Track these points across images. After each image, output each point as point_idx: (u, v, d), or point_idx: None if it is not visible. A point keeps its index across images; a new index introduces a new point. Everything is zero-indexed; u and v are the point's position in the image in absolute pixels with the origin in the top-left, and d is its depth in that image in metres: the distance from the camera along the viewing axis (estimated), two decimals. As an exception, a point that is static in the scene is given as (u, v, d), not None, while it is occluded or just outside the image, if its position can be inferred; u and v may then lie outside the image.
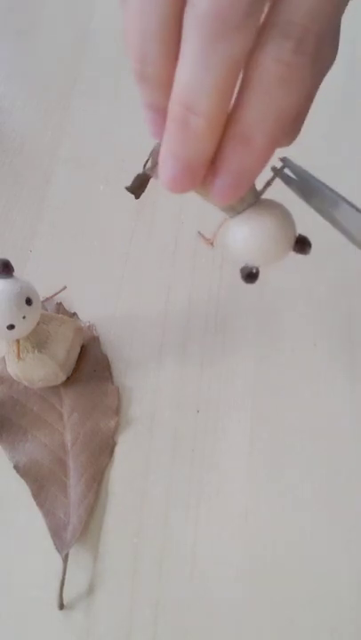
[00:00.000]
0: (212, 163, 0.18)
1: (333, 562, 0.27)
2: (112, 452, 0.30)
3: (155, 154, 0.21)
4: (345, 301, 0.33)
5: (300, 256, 0.23)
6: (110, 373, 0.32)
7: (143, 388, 0.32)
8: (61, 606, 0.26)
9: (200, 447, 0.30)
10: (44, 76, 0.46)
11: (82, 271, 0.36)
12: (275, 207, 0.22)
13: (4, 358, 0.31)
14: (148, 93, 0.18)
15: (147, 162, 0.22)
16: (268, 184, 0.22)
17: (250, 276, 0.23)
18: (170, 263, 0.36)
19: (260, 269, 0.23)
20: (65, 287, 0.34)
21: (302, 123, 0.21)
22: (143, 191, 0.24)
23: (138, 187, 0.24)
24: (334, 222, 0.22)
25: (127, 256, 0.36)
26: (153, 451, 0.30)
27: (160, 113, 0.18)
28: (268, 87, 0.16)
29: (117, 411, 0.31)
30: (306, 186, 0.22)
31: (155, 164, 0.21)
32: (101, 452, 0.30)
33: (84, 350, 0.33)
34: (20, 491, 0.29)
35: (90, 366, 0.32)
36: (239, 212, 0.22)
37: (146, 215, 0.38)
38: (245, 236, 0.22)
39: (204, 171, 0.18)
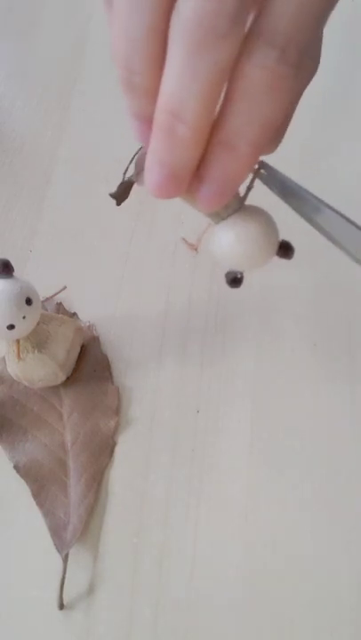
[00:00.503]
0: (198, 169, 0.18)
1: (333, 562, 0.27)
2: (112, 452, 0.30)
3: (138, 161, 0.22)
4: (345, 302, 0.33)
5: (299, 257, 0.24)
6: (110, 373, 0.32)
7: (143, 388, 0.32)
8: (61, 606, 0.26)
9: (200, 447, 0.30)
10: (44, 76, 0.46)
11: (82, 271, 0.36)
12: (259, 213, 0.23)
13: (4, 358, 0.31)
14: (134, 102, 0.18)
15: (127, 169, 0.22)
16: (250, 188, 0.23)
17: (234, 280, 0.23)
18: (170, 263, 0.36)
19: (245, 274, 0.23)
20: (65, 287, 0.34)
21: (285, 130, 0.22)
22: (126, 197, 0.24)
23: (122, 193, 0.24)
24: (314, 223, 0.23)
25: (127, 256, 0.36)
26: (153, 451, 0.30)
27: (146, 121, 0.18)
28: (253, 95, 0.16)
29: (117, 411, 0.31)
30: (285, 188, 0.23)
31: (140, 171, 0.22)
32: (101, 452, 0.30)
33: (84, 350, 0.33)
34: (20, 491, 0.29)
35: (90, 366, 0.32)
36: (224, 218, 0.22)
37: (146, 215, 0.38)
38: (230, 242, 0.22)
39: (190, 177, 0.18)
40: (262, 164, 0.23)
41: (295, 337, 0.33)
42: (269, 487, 0.28)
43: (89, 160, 0.41)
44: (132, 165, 0.23)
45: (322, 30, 0.18)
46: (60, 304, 0.35)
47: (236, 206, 0.22)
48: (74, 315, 0.34)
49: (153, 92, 0.17)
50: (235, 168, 0.18)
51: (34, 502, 0.28)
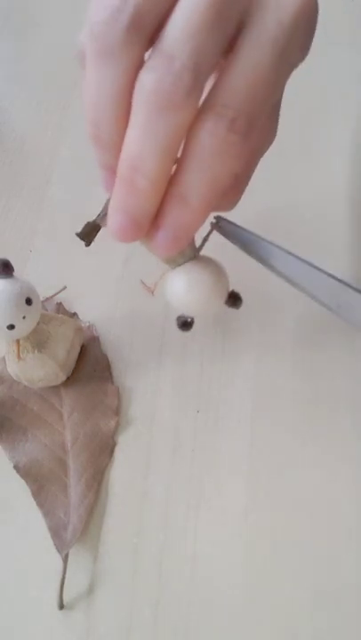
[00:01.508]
0: (155, 218, 0.20)
1: (334, 562, 0.27)
2: (112, 452, 0.30)
3: (106, 205, 0.24)
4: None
5: (304, 254, 0.24)
6: (110, 373, 0.32)
7: (143, 388, 0.32)
8: (61, 606, 0.26)
9: (200, 447, 0.30)
10: (44, 76, 0.46)
11: (82, 271, 0.36)
12: (211, 264, 0.25)
13: (4, 358, 0.31)
14: (100, 154, 0.20)
15: (100, 212, 0.24)
16: (205, 240, 0.25)
17: (185, 324, 0.25)
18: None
19: (195, 319, 0.25)
20: (65, 287, 0.34)
21: (241, 191, 0.25)
22: (93, 239, 0.26)
23: (87, 234, 0.26)
24: (272, 268, 0.25)
25: (127, 256, 0.36)
26: (153, 451, 0.30)
27: (111, 171, 0.20)
28: (204, 157, 0.18)
29: (117, 411, 0.31)
30: (242, 239, 0.25)
31: (105, 214, 0.24)
32: (101, 452, 0.30)
33: (84, 350, 0.33)
34: (20, 491, 0.29)
35: (90, 366, 0.32)
36: (179, 264, 0.24)
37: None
38: (183, 289, 0.24)
39: (149, 224, 0.20)
40: (219, 220, 0.25)
41: (295, 337, 0.33)
42: (269, 487, 0.28)
43: (89, 160, 0.40)
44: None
45: (274, 104, 0.21)
46: (60, 304, 0.35)
47: (190, 255, 0.24)
48: (74, 315, 0.34)
49: (117, 147, 0.19)
50: (187, 220, 0.20)
51: (34, 502, 0.28)
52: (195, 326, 0.31)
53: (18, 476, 0.29)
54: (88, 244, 0.26)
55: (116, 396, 0.31)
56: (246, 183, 0.24)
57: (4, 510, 0.29)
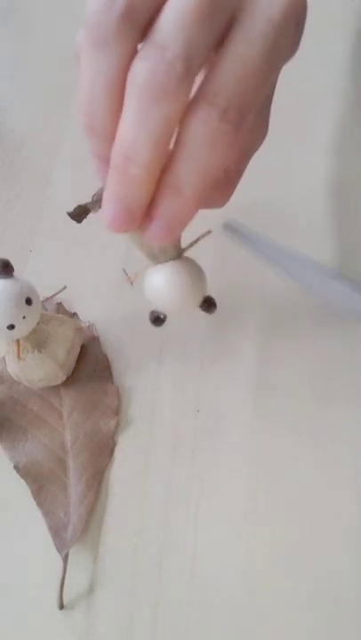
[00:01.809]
0: (149, 208, 0.20)
1: (334, 562, 0.26)
2: (112, 452, 0.30)
3: (99, 192, 0.24)
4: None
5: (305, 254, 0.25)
6: (110, 373, 0.32)
7: (143, 388, 0.32)
8: (61, 606, 0.26)
9: (200, 447, 0.30)
10: (44, 76, 0.46)
11: (82, 271, 0.36)
12: (192, 266, 0.25)
13: (4, 358, 0.31)
14: (94, 144, 0.21)
15: (93, 197, 0.25)
16: (194, 243, 0.25)
17: (156, 320, 0.26)
18: (170, 263, 0.36)
19: (168, 317, 0.26)
20: (65, 287, 0.34)
21: (233, 187, 0.25)
22: (83, 219, 0.26)
23: (78, 215, 0.26)
24: (282, 271, 0.26)
25: (127, 256, 0.36)
26: (153, 451, 0.30)
27: (104, 161, 0.20)
28: (196, 146, 0.19)
29: (117, 411, 0.31)
30: (250, 242, 0.26)
31: (97, 200, 0.25)
32: (101, 452, 0.30)
33: (84, 350, 0.33)
34: (20, 491, 0.29)
35: (90, 366, 0.32)
36: (161, 262, 0.25)
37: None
38: (161, 285, 0.25)
39: (142, 213, 0.20)
40: (228, 225, 0.25)
41: (295, 337, 0.33)
42: (269, 487, 0.28)
43: (89, 160, 0.40)
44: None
45: (266, 96, 0.22)
46: (60, 304, 0.35)
47: (173, 254, 0.25)
48: (74, 315, 0.34)
49: (110, 136, 0.19)
50: (180, 209, 0.20)
51: (34, 502, 0.28)
52: (194, 326, 0.31)
53: (18, 476, 0.29)
54: (79, 222, 0.26)
55: (116, 395, 0.31)
56: (238, 180, 0.25)
57: (4, 510, 0.29)
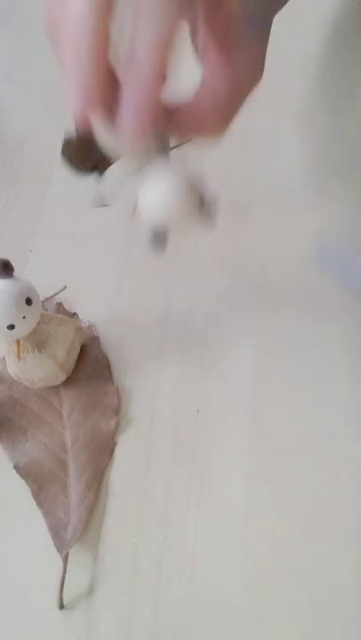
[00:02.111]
0: (117, 107, 0.21)
1: (334, 562, 0.26)
2: (112, 452, 0.30)
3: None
4: (344, 301, 0.33)
5: (300, 257, 0.24)
6: (110, 373, 0.32)
7: (143, 388, 0.32)
8: (61, 606, 0.26)
9: (200, 447, 0.30)
10: (44, 76, 0.46)
11: (82, 271, 0.36)
12: (182, 168, 0.24)
13: (4, 358, 0.31)
14: (55, 48, 0.22)
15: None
16: (177, 146, 0.25)
17: (157, 237, 0.24)
18: (170, 263, 0.36)
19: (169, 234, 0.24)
20: (65, 287, 0.34)
21: (225, 118, 0.24)
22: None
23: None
24: None
25: (127, 256, 0.36)
26: (153, 451, 0.30)
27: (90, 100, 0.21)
28: (146, 16, 0.19)
29: (117, 411, 0.31)
30: (346, 266, 0.25)
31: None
32: (101, 452, 0.30)
33: (84, 350, 0.33)
34: (20, 491, 0.29)
35: (90, 366, 0.32)
36: (150, 161, 0.24)
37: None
38: (152, 195, 0.23)
39: (101, 92, 0.21)
40: (317, 243, 0.23)
41: (295, 337, 0.33)
42: (269, 487, 0.28)
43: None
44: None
45: (260, 34, 0.22)
46: (60, 304, 0.35)
47: (156, 151, 0.23)
48: (74, 315, 0.34)
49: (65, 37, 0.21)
50: (144, 86, 0.20)
51: (34, 502, 0.28)
52: (194, 326, 0.30)
53: (18, 476, 0.29)
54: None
55: (116, 395, 0.31)
56: (230, 114, 0.24)
57: (4, 510, 0.29)
